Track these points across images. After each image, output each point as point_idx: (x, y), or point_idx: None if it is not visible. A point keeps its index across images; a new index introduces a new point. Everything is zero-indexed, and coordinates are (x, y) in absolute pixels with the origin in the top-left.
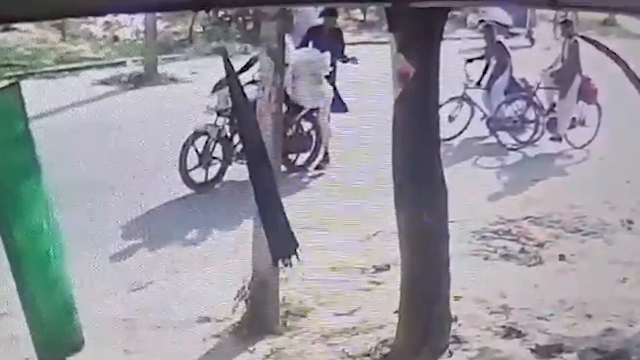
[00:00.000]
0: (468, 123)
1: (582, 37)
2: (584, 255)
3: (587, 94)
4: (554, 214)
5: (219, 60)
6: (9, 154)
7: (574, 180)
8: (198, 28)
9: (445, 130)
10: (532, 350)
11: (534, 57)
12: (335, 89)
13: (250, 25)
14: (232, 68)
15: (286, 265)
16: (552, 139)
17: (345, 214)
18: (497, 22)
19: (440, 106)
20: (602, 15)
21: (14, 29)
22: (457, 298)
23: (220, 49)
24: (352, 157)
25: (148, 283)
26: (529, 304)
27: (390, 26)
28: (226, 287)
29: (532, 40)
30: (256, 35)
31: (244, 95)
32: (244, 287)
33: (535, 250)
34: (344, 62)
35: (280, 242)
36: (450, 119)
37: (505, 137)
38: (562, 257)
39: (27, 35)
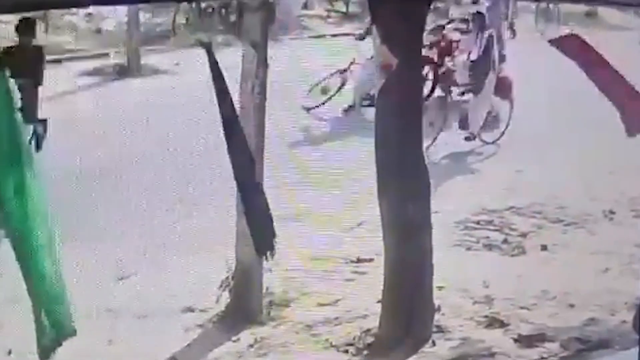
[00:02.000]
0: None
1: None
2: (566, 245)
3: (502, 89)
4: (536, 204)
5: (202, 52)
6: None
7: (557, 172)
8: (181, 20)
9: None
10: (515, 340)
11: (516, 48)
12: None
13: (233, 17)
14: (216, 61)
15: (268, 259)
16: (466, 138)
17: (329, 204)
18: (479, 13)
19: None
20: (584, 8)
21: None
22: (440, 288)
23: (204, 42)
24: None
25: (132, 273)
26: (511, 294)
27: (373, 18)
28: (210, 278)
29: (514, 32)
30: (239, 27)
31: (226, 88)
32: (227, 277)
33: (518, 240)
34: None
35: (263, 235)
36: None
37: None
38: (544, 248)
39: (9, 27)
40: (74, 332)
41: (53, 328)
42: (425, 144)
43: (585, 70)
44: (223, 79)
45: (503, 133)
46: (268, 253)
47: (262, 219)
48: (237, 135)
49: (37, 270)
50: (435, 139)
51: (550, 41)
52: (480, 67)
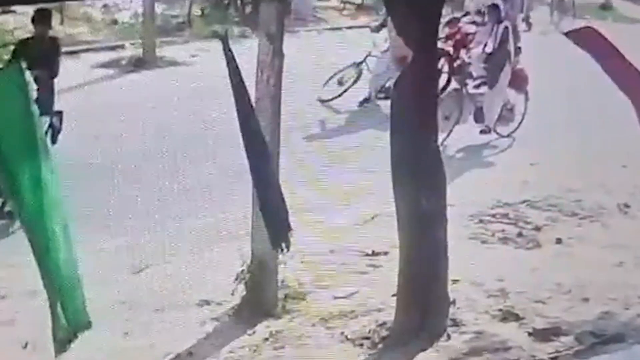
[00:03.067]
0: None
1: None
2: (581, 239)
3: (517, 82)
4: (551, 197)
5: (217, 44)
6: (14, 131)
7: (572, 165)
8: (196, 11)
9: None
10: (529, 334)
11: (531, 41)
12: None
13: (248, 9)
14: (232, 53)
15: (284, 250)
16: (481, 131)
17: (344, 196)
18: (494, 5)
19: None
20: (599, 0)
21: (13, 11)
22: (455, 281)
23: (220, 33)
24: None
25: (148, 266)
26: (526, 288)
27: (388, 10)
28: (225, 270)
29: (530, 25)
30: (255, 18)
31: (242, 79)
32: (243, 270)
33: (533, 233)
34: None
35: (278, 228)
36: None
37: None
38: (559, 241)
39: (26, 19)
40: (88, 325)
41: (68, 320)
42: (440, 138)
43: (600, 63)
44: (239, 70)
45: (518, 126)
46: (283, 246)
47: (277, 211)
48: (253, 127)
49: (52, 262)
50: (450, 132)
51: (565, 33)
52: (495, 60)
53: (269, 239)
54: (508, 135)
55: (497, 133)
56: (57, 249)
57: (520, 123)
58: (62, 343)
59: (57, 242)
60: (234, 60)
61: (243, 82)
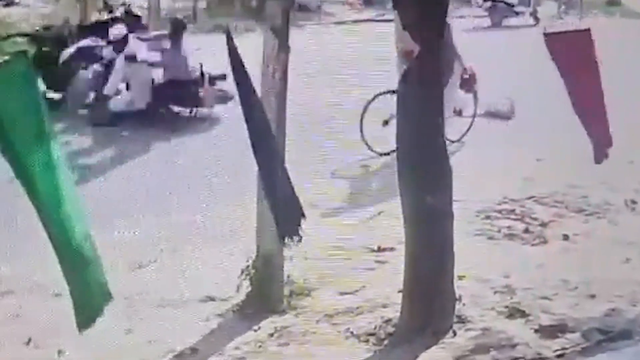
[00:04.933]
0: None
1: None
2: (587, 235)
3: (465, 81)
4: (558, 193)
5: (223, 38)
6: (24, 122)
7: (578, 161)
8: (202, 5)
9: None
10: (536, 331)
11: (538, 36)
12: None
13: (254, 2)
14: (235, 47)
15: (293, 241)
16: None
17: (350, 192)
18: (502, 1)
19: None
20: None
21: (17, 4)
22: (461, 277)
23: (224, 27)
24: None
25: (151, 261)
26: (532, 284)
27: (394, 3)
28: (230, 266)
29: (537, 19)
30: (260, 12)
31: (247, 74)
32: (248, 266)
33: (539, 230)
34: None
35: (288, 217)
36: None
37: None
38: (566, 237)
39: (29, 11)
40: (110, 297)
41: (93, 293)
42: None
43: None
44: (242, 64)
45: (469, 129)
46: (293, 238)
47: (289, 202)
48: (258, 118)
49: (71, 236)
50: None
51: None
52: (445, 59)
53: (277, 231)
54: (458, 140)
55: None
56: (72, 223)
57: (470, 126)
58: (90, 316)
59: (71, 218)
60: (237, 53)
61: (248, 77)
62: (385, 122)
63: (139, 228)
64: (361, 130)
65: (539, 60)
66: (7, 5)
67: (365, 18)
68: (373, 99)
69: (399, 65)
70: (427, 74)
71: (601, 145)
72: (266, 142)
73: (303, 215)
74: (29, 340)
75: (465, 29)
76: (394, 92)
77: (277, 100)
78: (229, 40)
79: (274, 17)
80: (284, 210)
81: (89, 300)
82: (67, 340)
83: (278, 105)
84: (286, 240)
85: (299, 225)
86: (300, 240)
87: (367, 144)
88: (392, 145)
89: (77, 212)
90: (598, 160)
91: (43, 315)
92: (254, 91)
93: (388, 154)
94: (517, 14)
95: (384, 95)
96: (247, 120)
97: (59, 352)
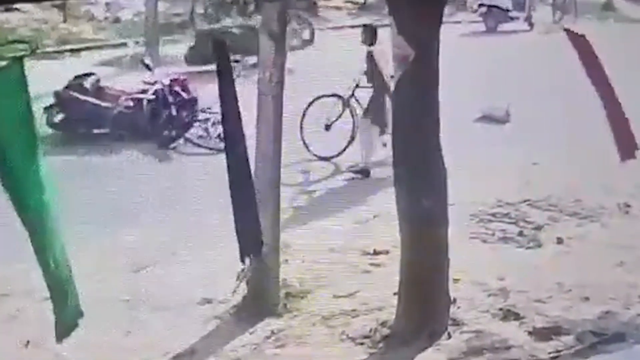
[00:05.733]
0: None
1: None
2: (581, 238)
3: None
4: (552, 197)
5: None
6: (16, 129)
7: (572, 165)
8: (199, 9)
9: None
10: (530, 333)
11: (533, 41)
12: None
13: (251, 7)
14: (226, 53)
15: (250, 263)
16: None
17: (345, 195)
18: (496, 6)
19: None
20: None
21: (16, 9)
22: (455, 280)
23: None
24: None
25: (149, 264)
26: (527, 287)
27: (390, 9)
28: (227, 269)
29: (532, 25)
30: (257, 16)
31: (233, 85)
32: (244, 269)
33: (534, 233)
34: None
35: (248, 240)
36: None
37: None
38: (560, 240)
39: (28, 16)
40: (80, 314)
41: (67, 310)
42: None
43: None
44: (230, 72)
45: None
46: (251, 256)
47: (249, 221)
48: (235, 131)
49: (50, 257)
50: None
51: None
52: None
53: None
54: None
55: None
56: (53, 244)
57: None
58: (62, 332)
59: (54, 238)
60: (228, 60)
61: (234, 88)
62: (327, 127)
63: (139, 231)
64: (301, 134)
65: (534, 65)
66: (6, 10)
67: (362, 23)
68: (312, 103)
69: (395, 70)
70: (423, 78)
71: (627, 144)
72: (239, 162)
73: (262, 243)
74: (28, 342)
75: (461, 34)
76: (333, 95)
77: (273, 104)
78: (219, 46)
79: (270, 22)
80: (246, 239)
81: (66, 311)
82: (65, 343)
83: (274, 108)
84: (245, 259)
85: (259, 251)
86: (256, 262)
87: (307, 147)
88: (334, 149)
89: (56, 222)
90: (624, 159)
91: (41, 317)
92: (237, 108)
93: (328, 158)
94: (512, 19)
95: (325, 98)
96: (224, 134)
97: (58, 354)
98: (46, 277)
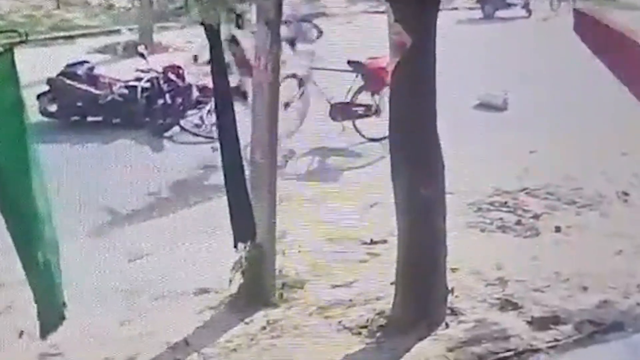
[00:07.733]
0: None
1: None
2: (580, 227)
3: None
4: (550, 186)
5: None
6: (3, 122)
7: (571, 153)
8: None
9: None
10: (528, 322)
11: (531, 28)
12: None
13: None
14: (219, 42)
15: (245, 250)
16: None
17: (343, 184)
18: None
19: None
20: None
21: None
22: (453, 270)
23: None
24: None
25: (146, 254)
26: (525, 276)
27: None
28: (223, 259)
29: (529, 12)
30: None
31: (225, 72)
32: (240, 259)
33: (532, 222)
34: None
35: (241, 226)
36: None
37: None
38: (558, 229)
39: (21, 3)
40: (63, 317)
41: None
42: None
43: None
44: (223, 60)
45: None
46: (246, 243)
47: (242, 207)
48: (228, 119)
49: (36, 253)
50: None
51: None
52: None
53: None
54: (381, 139)
55: (363, 135)
56: (39, 239)
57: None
58: (46, 329)
59: (40, 233)
60: (220, 49)
61: (226, 75)
62: (286, 105)
63: (135, 221)
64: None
65: (532, 52)
66: None
67: (359, 10)
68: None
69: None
70: (420, 66)
71: None
72: (233, 150)
73: (255, 229)
74: (21, 332)
75: (458, 21)
76: (294, 76)
77: (269, 92)
78: (213, 35)
79: (266, 10)
80: (239, 225)
81: (51, 307)
82: (61, 332)
83: (270, 97)
84: (239, 245)
85: (252, 238)
86: (251, 247)
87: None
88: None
89: (47, 216)
90: None
91: (35, 307)
92: (229, 91)
93: None
94: (509, 5)
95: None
96: (217, 122)
97: (52, 344)
98: (31, 278)
